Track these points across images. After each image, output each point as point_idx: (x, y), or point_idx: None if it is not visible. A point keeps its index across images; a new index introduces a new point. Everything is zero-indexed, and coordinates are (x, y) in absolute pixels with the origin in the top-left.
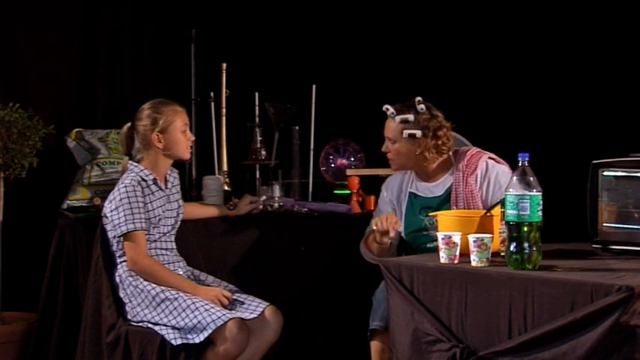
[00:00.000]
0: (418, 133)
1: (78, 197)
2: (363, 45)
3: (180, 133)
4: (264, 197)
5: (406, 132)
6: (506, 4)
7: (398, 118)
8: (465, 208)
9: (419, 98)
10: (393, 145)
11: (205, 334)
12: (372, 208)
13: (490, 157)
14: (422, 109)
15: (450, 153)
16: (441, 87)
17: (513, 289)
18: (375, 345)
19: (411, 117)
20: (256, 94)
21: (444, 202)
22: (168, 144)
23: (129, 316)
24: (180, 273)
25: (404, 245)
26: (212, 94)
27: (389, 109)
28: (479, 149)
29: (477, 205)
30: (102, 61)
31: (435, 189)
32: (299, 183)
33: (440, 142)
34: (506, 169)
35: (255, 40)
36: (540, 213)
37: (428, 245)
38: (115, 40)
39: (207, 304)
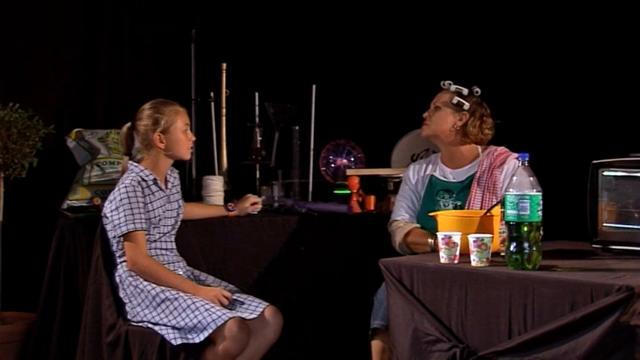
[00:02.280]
0: (466, 105)
1: (78, 197)
2: (364, 45)
3: (181, 133)
4: (264, 197)
5: (457, 99)
6: (504, 4)
7: (453, 87)
8: (483, 193)
9: (476, 87)
10: (437, 111)
11: (205, 333)
12: (372, 208)
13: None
14: (477, 92)
15: (479, 148)
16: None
17: (513, 289)
18: (375, 344)
19: (465, 91)
20: (256, 94)
21: (465, 188)
22: (169, 144)
23: (129, 316)
24: (180, 273)
25: None
26: (212, 94)
27: (446, 82)
28: (507, 149)
29: (496, 194)
30: (102, 61)
31: (457, 175)
32: (299, 183)
33: (484, 126)
34: None
35: (255, 40)
36: (540, 213)
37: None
38: (115, 40)
39: (207, 304)
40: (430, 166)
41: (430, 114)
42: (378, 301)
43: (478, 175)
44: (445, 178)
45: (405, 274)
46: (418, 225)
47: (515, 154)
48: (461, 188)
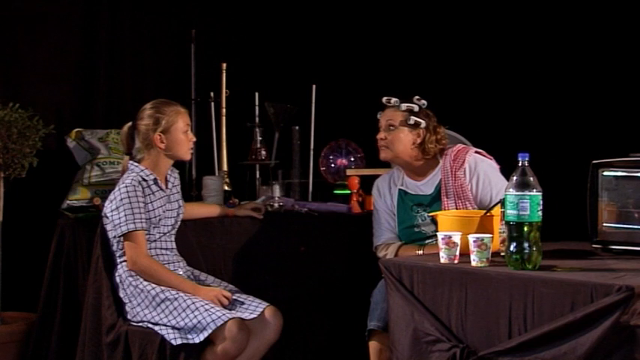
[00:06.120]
0: (423, 123)
1: (78, 197)
2: (363, 45)
3: (182, 133)
4: (264, 197)
5: (413, 118)
6: (505, 3)
7: (404, 106)
8: (455, 202)
9: (417, 97)
10: (393, 131)
11: (205, 334)
12: (372, 208)
13: (477, 152)
14: (424, 104)
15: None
16: (441, 87)
17: (513, 289)
18: (373, 345)
19: (416, 107)
20: (256, 94)
21: (436, 199)
22: (169, 144)
23: (129, 316)
24: (180, 273)
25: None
26: (212, 94)
27: (391, 99)
28: (464, 145)
29: (467, 198)
30: (102, 61)
31: (424, 187)
32: (299, 183)
33: (440, 137)
34: (493, 163)
35: (255, 40)
36: (540, 213)
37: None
38: (115, 40)
39: (207, 304)
40: (396, 181)
41: (386, 135)
42: (374, 302)
43: (444, 183)
44: (414, 191)
45: (405, 274)
46: (400, 243)
47: (473, 149)
48: (431, 200)
